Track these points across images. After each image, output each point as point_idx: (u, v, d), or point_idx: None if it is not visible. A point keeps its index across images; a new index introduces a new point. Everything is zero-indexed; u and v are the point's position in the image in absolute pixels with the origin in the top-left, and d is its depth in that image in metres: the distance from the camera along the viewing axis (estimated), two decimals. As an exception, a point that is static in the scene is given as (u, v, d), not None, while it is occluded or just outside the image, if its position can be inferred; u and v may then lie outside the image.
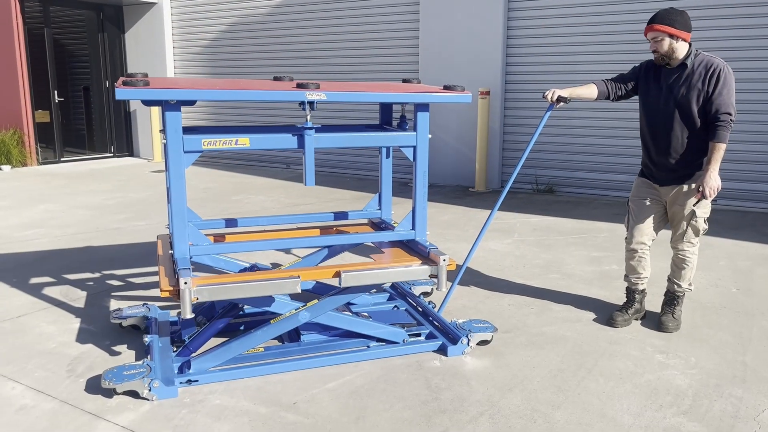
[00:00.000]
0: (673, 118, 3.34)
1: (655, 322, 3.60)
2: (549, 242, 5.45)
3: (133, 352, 3.21)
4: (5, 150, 9.72)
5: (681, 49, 3.27)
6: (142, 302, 3.91)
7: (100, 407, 2.66)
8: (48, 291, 4.13)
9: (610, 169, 7.60)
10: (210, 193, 7.84)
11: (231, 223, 3.52)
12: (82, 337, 3.41)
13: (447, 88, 3.17)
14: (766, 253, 5.11)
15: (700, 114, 3.29)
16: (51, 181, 8.75)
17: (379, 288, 4.10)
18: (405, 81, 3.68)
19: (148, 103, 3.04)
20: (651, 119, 3.43)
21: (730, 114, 3.21)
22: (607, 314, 3.71)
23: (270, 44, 9.90)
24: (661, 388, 2.87)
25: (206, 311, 3.47)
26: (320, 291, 3.78)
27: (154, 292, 4.14)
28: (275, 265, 4.61)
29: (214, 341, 3.25)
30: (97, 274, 4.50)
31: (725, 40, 6.72)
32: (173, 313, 3.59)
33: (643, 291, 3.66)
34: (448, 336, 3.28)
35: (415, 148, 3.15)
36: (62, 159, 10.64)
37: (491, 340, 3.30)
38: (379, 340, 3.24)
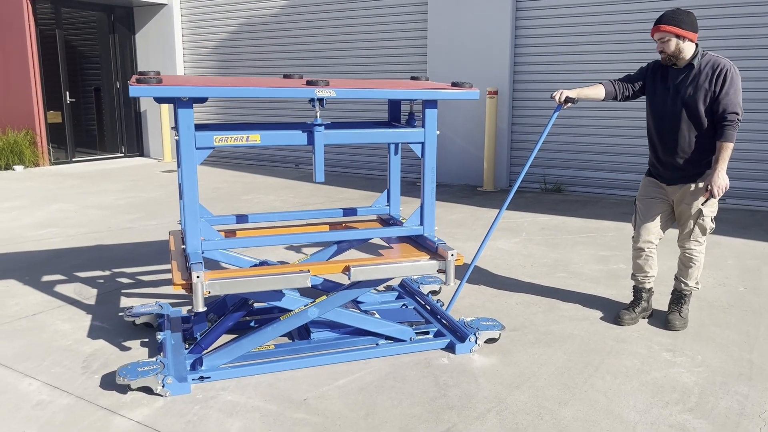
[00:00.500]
0: (680, 118, 3.36)
1: (662, 320, 3.62)
2: (557, 241, 5.47)
3: (146, 350, 3.27)
4: (18, 150, 9.84)
5: (688, 49, 3.29)
6: (154, 300, 3.97)
7: (115, 403, 2.72)
8: (62, 289, 4.20)
9: (617, 168, 7.61)
10: (220, 193, 7.90)
11: (242, 219, 3.56)
12: (96, 334, 3.47)
13: (455, 85, 3.20)
14: (775, 252, 5.11)
15: (707, 114, 3.30)
16: (63, 181, 8.84)
17: (387, 286, 4.14)
18: (413, 79, 3.70)
19: (161, 100, 3.07)
20: (658, 119, 3.45)
21: (737, 113, 3.22)
22: (614, 313, 3.74)
23: (279, 44, 9.96)
24: (668, 385, 2.89)
25: (217, 308, 3.53)
26: (329, 289, 3.82)
27: (165, 290, 4.20)
28: (284, 263, 4.64)
29: (225, 338, 3.31)
30: (109, 273, 4.56)
31: (731, 40, 6.71)
32: (185, 310, 3.64)
33: (650, 289, 3.68)
34: (456, 334, 3.31)
35: (423, 144, 3.18)
36: (74, 159, 10.75)
37: (499, 338, 3.33)
38: (387, 337, 3.28)
